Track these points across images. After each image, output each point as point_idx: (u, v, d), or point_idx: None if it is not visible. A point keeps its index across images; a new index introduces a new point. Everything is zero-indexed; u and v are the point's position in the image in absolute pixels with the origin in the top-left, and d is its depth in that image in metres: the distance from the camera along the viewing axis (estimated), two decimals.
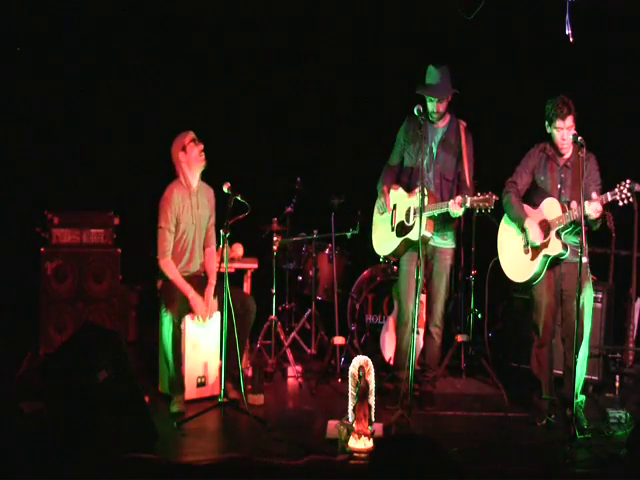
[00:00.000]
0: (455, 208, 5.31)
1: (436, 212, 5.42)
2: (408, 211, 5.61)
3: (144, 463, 4.53)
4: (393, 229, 5.68)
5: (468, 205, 5.27)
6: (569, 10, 5.29)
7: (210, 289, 5.66)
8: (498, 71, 7.11)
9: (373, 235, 5.88)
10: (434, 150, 5.60)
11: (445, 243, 5.65)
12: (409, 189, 5.66)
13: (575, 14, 5.30)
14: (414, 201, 5.53)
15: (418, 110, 5.32)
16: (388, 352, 6.11)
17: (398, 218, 5.67)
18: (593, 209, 4.95)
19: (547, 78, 6.82)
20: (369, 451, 4.70)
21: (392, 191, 5.72)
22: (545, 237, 5.25)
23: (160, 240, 5.63)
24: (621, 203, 4.92)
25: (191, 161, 5.67)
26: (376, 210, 5.85)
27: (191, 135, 5.72)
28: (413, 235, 5.51)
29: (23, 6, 6.89)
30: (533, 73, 7.02)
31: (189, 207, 5.70)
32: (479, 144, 5.70)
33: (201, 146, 5.69)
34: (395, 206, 5.71)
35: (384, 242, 5.76)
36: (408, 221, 5.59)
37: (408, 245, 5.60)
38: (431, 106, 5.56)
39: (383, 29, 7.25)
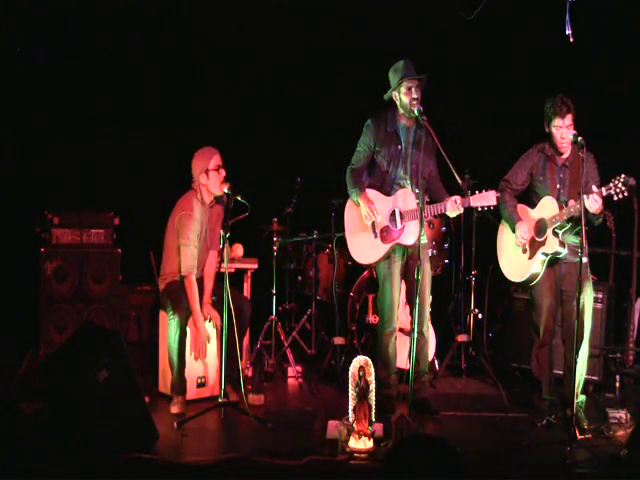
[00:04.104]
0: (454, 208, 5.20)
1: (434, 215, 5.33)
2: (393, 214, 5.41)
3: (144, 463, 4.53)
4: (376, 236, 5.45)
5: (472, 205, 5.19)
6: (569, 10, 5.28)
7: (202, 321, 5.65)
8: (498, 71, 7.13)
9: (350, 245, 5.58)
10: (410, 150, 5.43)
11: (423, 238, 5.43)
12: (384, 193, 5.44)
13: (575, 13, 5.29)
14: (398, 204, 5.37)
15: (419, 110, 5.26)
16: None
17: (382, 223, 5.42)
18: (591, 201, 4.95)
19: (547, 78, 6.83)
20: (369, 451, 4.70)
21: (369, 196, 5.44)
22: (541, 235, 5.26)
23: (187, 257, 5.59)
24: (616, 197, 4.93)
25: (210, 188, 5.63)
26: (350, 218, 5.56)
27: (217, 161, 5.62)
28: (406, 239, 5.36)
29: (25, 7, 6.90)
30: (533, 73, 7.03)
31: (205, 221, 5.70)
32: (479, 144, 5.69)
33: (223, 173, 5.62)
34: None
35: (367, 250, 5.48)
36: (395, 225, 5.40)
37: (396, 250, 5.43)
38: (410, 96, 5.29)
39: (383, 28, 7.25)
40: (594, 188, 4.99)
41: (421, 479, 2.49)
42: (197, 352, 5.65)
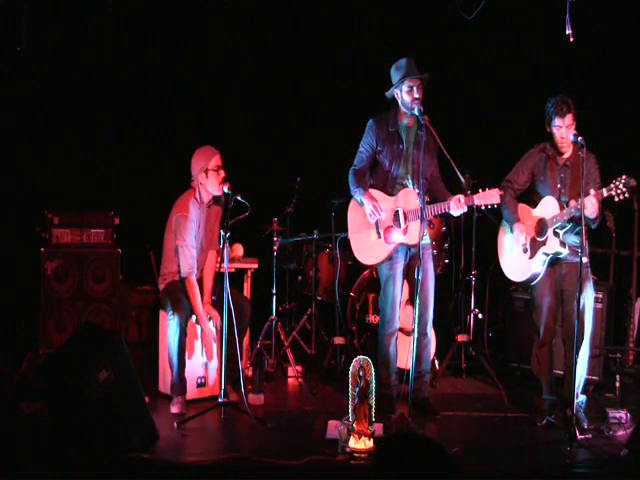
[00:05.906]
0: (458, 207, 5.18)
1: (437, 214, 5.33)
2: (396, 214, 5.41)
3: (144, 463, 4.53)
4: (380, 235, 5.42)
5: (476, 203, 5.18)
6: (569, 10, 5.28)
7: (206, 321, 5.67)
8: (498, 71, 7.13)
9: (354, 244, 5.56)
10: (411, 150, 5.41)
11: (426, 238, 5.42)
12: (387, 193, 5.44)
13: (576, 13, 5.29)
14: (401, 204, 5.37)
15: (419, 110, 5.25)
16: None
17: (385, 223, 5.42)
18: (589, 204, 4.95)
19: (547, 78, 6.83)
20: (369, 451, 4.70)
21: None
22: (542, 235, 5.26)
23: (186, 258, 5.58)
24: (617, 199, 4.94)
25: (208, 187, 5.63)
26: (353, 218, 5.55)
27: (217, 161, 5.61)
28: (409, 239, 5.36)
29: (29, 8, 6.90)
30: (533, 73, 7.03)
31: (203, 221, 5.71)
32: (479, 144, 5.68)
33: (223, 174, 5.62)
34: None
35: (371, 251, 5.48)
36: (399, 225, 5.39)
37: (398, 250, 5.42)
38: (411, 96, 5.27)
39: (383, 28, 7.25)
40: (592, 191, 4.99)
41: (408, 479, 2.49)
42: (208, 351, 5.70)
